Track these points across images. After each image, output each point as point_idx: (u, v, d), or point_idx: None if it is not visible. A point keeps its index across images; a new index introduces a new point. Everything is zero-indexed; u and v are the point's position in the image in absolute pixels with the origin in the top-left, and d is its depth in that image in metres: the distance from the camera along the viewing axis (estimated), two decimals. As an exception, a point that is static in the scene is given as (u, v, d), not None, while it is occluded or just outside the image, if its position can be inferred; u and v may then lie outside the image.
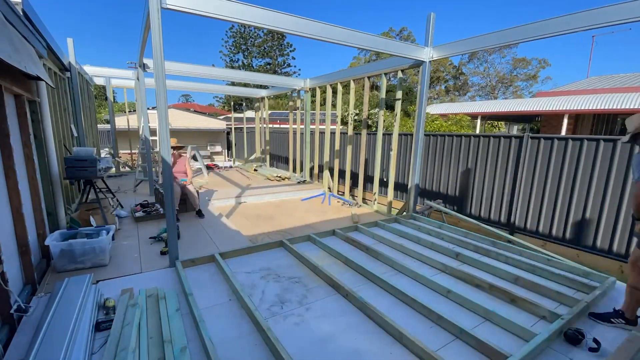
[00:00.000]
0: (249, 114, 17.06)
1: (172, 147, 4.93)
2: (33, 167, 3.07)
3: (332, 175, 7.72)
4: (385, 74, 5.70)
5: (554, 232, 5.34)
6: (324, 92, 7.81)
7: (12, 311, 2.25)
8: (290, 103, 9.19)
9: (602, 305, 2.80)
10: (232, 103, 16.45)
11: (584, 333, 2.29)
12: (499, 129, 19.42)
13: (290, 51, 35.80)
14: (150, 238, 4.07)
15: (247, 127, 13.69)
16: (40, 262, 3.15)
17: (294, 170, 9.43)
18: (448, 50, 4.72)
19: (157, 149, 7.69)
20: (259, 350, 2.16)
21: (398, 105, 5.20)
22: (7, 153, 2.48)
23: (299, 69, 37.53)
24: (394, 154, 5.57)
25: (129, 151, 10.62)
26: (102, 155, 9.39)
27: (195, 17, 3.29)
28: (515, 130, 22.05)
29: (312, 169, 8.52)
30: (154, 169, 7.13)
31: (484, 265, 3.48)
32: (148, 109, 7.66)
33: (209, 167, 11.36)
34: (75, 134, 5.75)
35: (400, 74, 5.49)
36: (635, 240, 2.27)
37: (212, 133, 17.64)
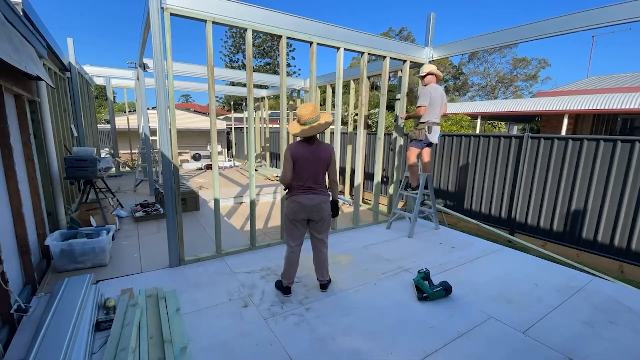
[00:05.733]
0: (249, 113, 16.99)
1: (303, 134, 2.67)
2: (33, 167, 3.06)
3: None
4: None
5: (554, 228, 5.34)
6: (324, 92, 7.80)
7: (12, 311, 2.25)
8: (290, 102, 9.19)
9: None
10: (232, 103, 16.45)
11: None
12: (499, 129, 19.43)
13: (290, 51, 35.79)
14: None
15: (247, 127, 13.69)
16: (40, 262, 3.14)
17: (294, 170, 9.43)
18: (448, 50, 4.72)
19: (157, 149, 7.69)
20: (259, 349, 2.16)
21: (398, 105, 5.20)
22: (7, 153, 2.48)
23: (299, 69, 37.49)
24: (393, 154, 5.56)
25: (129, 151, 10.62)
26: (102, 155, 9.39)
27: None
28: (515, 130, 22.09)
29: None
30: (154, 169, 7.13)
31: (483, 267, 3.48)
32: (148, 109, 7.66)
33: (208, 167, 11.36)
34: (75, 134, 5.75)
35: (400, 74, 5.48)
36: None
37: (212, 133, 17.60)
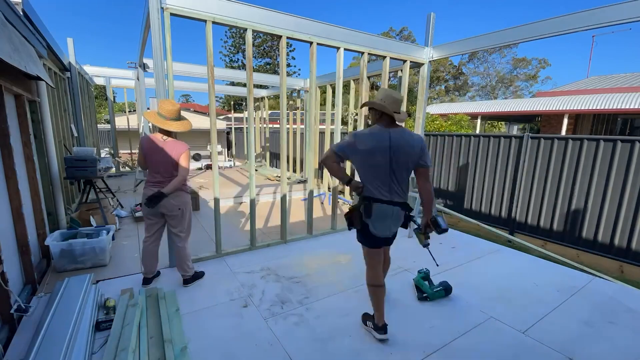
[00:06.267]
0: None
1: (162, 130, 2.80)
2: (33, 167, 3.06)
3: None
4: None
5: (554, 228, 5.34)
6: (324, 92, 7.80)
7: (12, 311, 2.25)
8: (290, 102, 9.19)
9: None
10: (232, 103, 16.45)
11: None
12: (499, 129, 19.43)
13: (290, 51, 35.79)
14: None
15: (247, 127, 13.68)
16: (40, 262, 3.15)
17: (294, 170, 9.43)
18: (448, 50, 4.72)
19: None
20: (259, 350, 2.16)
21: (398, 105, 5.22)
22: (7, 153, 2.48)
23: (299, 69, 37.45)
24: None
25: (129, 151, 10.62)
26: (102, 155, 9.39)
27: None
28: (515, 130, 22.10)
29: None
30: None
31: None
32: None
33: (208, 167, 11.36)
34: (75, 134, 5.75)
35: (400, 74, 5.48)
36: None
37: (212, 133, 17.58)
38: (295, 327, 2.41)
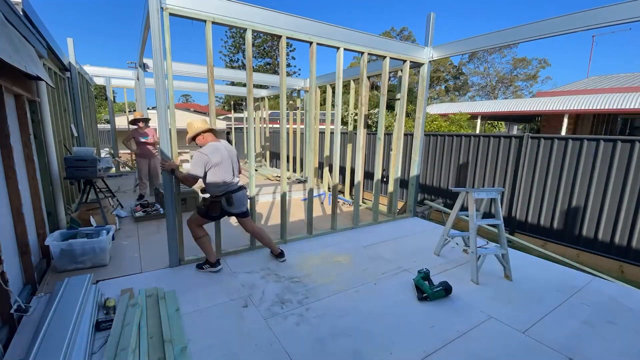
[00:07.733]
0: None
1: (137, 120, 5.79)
2: (33, 167, 3.06)
3: (331, 175, 7.71)
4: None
5: (554, 228, 5.34)
6: (324, 92, 7.80)
7: (12, 311, 2.25)
8: (290, 102, 9.18)
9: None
10: (232, 103, 16.45)
11: None
12: (499, 129, 19.43)
13: (290, 51, 35.81)
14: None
15: (247, 127, 13.68)
16: (40, 262, 3.14)
17: (294, 170, 9.43)
18: (448, 50, 4.72)
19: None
20: (259, 350, 2.16)
21: (398, 105, 5.20)
22: (7, 153, 2.48)
23: (299, 69, 37.51)
24: (393, 154, 5.57)
25: (129, 151, 10.61)
26: (102, 155, 9.38)
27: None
28: (515, 130, 22.08)
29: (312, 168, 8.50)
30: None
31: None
32: (148, 109, 7.66)
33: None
34: (75, 134, 5.75)
35: (400, 74, 5.48)
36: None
37: (212, 133, 17.55)
38: (296, 327, 2.41)
